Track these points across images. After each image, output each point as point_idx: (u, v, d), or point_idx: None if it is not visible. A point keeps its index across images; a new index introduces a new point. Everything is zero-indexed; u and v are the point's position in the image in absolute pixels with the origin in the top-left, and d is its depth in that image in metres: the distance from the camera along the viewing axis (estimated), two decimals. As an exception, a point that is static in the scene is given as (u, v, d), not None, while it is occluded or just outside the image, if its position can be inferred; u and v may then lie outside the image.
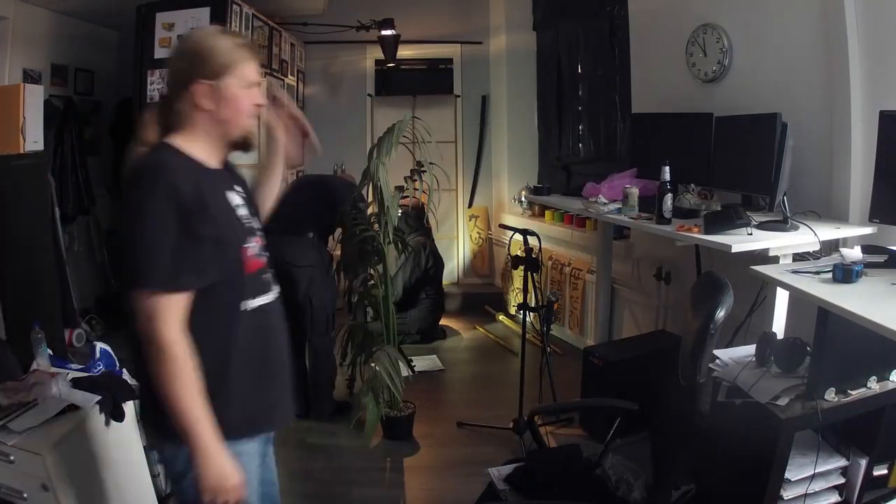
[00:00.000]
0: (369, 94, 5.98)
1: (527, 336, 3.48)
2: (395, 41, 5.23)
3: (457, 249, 6.07)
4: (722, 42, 3.03)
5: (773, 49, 2.82)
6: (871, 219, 2.19)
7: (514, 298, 5.33)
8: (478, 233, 6.00)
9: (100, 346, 2.75)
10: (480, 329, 5.14)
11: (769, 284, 2.22)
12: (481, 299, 5.62)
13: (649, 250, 3.80)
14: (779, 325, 2.34)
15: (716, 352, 2.19)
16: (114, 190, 5.22)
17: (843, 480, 2.03)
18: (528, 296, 3.39)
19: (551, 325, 3.72)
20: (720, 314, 1.51)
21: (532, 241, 3.42)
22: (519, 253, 3.43)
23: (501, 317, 5.34)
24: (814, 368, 1.94)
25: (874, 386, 1.96)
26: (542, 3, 5.24)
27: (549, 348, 3.53)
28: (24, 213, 3.11)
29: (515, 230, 3.47)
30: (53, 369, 2.42)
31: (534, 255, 3.39)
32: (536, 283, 3.50)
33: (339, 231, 3.46)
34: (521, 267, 3.44)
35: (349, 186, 3.59)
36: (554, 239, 4.75)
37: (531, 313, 3.64)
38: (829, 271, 1.96)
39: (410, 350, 3.87)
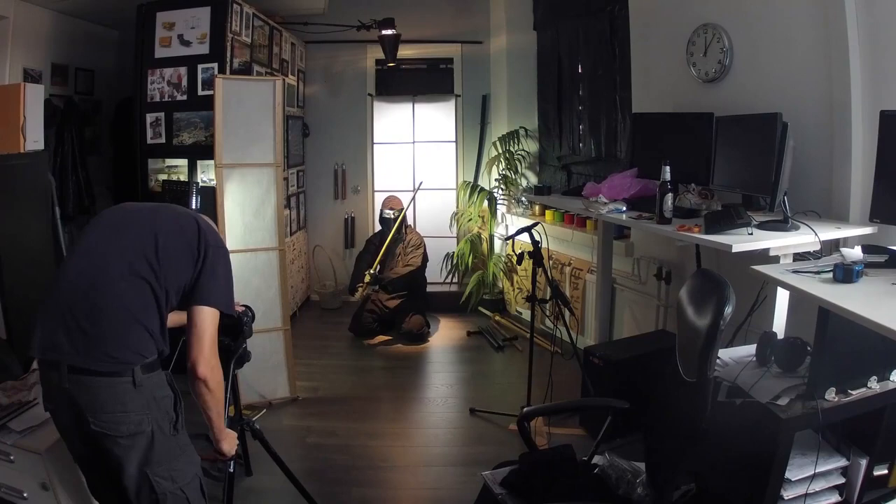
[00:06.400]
0: (369, 94, 5.98)
1: (524, 334, 3.45)
2: (396, 41, 5.23)
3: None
4: (722, 42, 3.03)
5: (773, 49, 2.81)
6: (872, 219, 2.19)
7: (514, 298, 5.34)
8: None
9: (100, 345, 2.75)
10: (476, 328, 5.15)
11: (769, 284, 2.22)
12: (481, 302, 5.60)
13: (649, 250, 3.80)
14: (779, 325, 2.34)
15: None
16: (113, 189, 5.22)
17: (843, 480, 2.03)
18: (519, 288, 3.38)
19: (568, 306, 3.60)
20: (728, 310, 1.56)
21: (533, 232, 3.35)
22: (523, 250, 3.37)
23: (498, 317, 5.34)
24: (814, 368, 1.95)
25: (874, 386, 1.96)
26: (542, 3, 5.23)
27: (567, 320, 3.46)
28: (25, 212, 3.11)
29: (519, 232, 3.39)
30: (53, 369, 2.41)
31: (539, 247, 3.33)
32: (547, 276, 3.42)
33: None
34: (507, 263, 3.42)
35: None
36: (554, 239, 4.75)
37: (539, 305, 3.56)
38: (829, 271, 1.96)
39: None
